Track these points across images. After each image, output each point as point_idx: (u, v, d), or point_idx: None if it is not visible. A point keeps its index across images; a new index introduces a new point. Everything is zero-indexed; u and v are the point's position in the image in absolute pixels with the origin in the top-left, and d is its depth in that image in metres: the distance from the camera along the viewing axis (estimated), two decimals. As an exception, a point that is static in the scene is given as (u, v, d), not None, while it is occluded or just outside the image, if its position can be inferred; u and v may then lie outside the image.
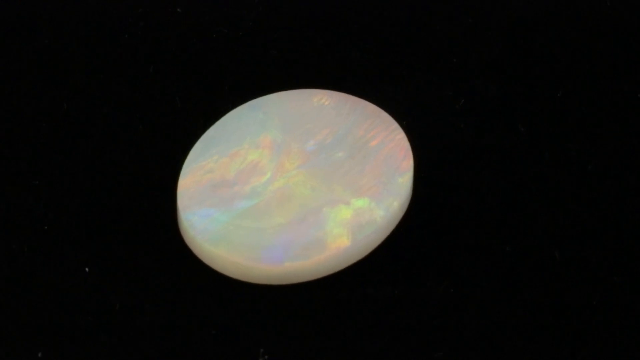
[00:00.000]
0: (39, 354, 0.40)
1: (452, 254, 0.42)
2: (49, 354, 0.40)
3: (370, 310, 0.41)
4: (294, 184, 0.43)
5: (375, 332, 0.41)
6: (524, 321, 0.41)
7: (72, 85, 0.48)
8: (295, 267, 0.41)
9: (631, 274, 0.42)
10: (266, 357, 0.40)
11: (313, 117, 0.45)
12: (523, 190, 0.44)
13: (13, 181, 0.45)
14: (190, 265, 0.42)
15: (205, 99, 0.48)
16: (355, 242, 0.41)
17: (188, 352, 0.40)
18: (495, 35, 0.50)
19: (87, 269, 0.42)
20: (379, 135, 0.44)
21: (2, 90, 0.48)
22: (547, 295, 0.41)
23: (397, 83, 0.48)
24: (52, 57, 0.49)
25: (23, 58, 0.49)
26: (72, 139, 0.46)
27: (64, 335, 0.40)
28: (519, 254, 0.42)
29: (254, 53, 0.50)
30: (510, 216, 0.44)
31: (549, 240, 0.43)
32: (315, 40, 0.51)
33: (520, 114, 0.47)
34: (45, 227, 0.43)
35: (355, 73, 0.49)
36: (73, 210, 0.44)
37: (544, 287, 0.42)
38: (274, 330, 0.41)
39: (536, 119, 0.47)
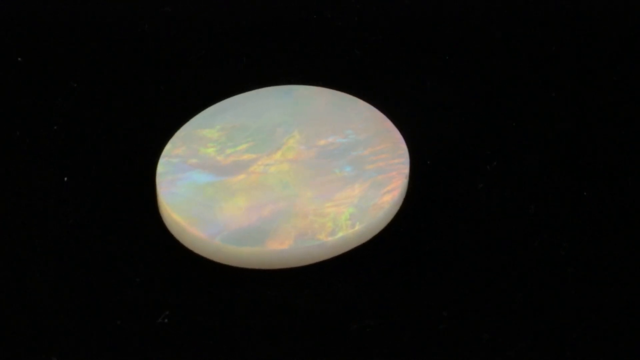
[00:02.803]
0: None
1: (385, 294, 0.41)
2: None
3: (284, 316, 0.40)
4: (271, 173, 0.43)
5: (271, 339, 0.40)
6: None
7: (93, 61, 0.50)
8: (227, 249, 0.41)
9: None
10: (166, 320, 0.41)
11: (334, 120, 0.45)
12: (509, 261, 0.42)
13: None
14: (151, 211, 0.43)
15: (273, 74, 0.49)
16: (294, 249, 0.41)
17: (101, 294, 0.41)
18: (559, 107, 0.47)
19: (65, 179, 0.44)
20: (382, 162, 0.43)
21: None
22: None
23: (449, 125, 0.47)
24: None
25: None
26: (85, 97, 0.48)
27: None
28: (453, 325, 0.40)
29: (342, 46, 0.50)
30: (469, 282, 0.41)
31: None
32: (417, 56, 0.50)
33: (541, 190, 0.44)
34: (50, 149, 0.46)
35: (426, 104, 0.48)
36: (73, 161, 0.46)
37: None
38: (188, 298, 0.41)
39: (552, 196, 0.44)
